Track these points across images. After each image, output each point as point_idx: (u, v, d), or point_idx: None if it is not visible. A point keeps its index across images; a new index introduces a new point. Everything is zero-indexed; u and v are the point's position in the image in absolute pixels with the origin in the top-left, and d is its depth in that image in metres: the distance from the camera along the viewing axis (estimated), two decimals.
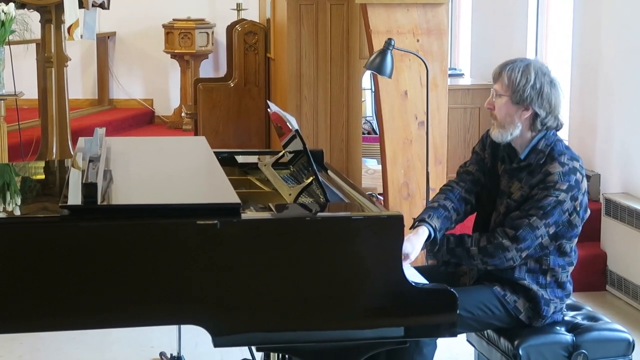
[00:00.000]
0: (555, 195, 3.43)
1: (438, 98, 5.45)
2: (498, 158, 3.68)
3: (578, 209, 3.49)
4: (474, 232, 3.64)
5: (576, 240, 3.60)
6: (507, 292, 3.56)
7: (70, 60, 6.93)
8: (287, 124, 3.63)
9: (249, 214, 3.18)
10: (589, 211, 3.59)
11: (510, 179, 3.59)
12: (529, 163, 3.54)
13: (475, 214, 3.77)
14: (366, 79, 7.30)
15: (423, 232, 3.52)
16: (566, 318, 3.67)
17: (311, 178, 3.41)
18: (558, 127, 3.57)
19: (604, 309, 5.46)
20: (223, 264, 3.02)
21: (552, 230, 3.47)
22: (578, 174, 3.48)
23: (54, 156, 6.70)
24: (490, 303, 3.55)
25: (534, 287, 3.54)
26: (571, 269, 3.62)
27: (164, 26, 9.64)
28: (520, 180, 3.54)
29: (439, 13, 5.43)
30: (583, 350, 3.53)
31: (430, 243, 3.53)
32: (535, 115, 3.51)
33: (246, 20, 7.64)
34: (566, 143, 3.61)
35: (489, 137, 3.68)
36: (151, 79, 10.17)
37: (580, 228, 3.56)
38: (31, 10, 7.02)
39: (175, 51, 9.62)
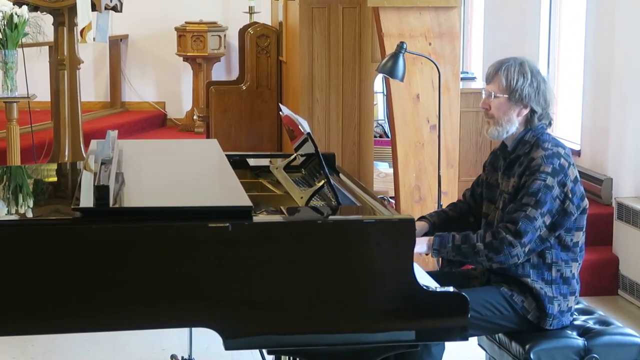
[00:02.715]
0: (542, 179, 3.46)
1: (450, 101, 5.44)
2: (497, 168, 3.71)
3: (570, 195, 3.50)
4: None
5: (580, 235, 3.59)
6: (515, 293, 3.56)
7: (82, 62, 6.95)
8: (299, 127, 3.63)
9: (260, 217, 3.18)
10: (586, 201, 3.59)
11: (508, 179, 3.62)
12: (517, 155, 3.59)
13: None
14: (378, 83, 7.30)
15: (422, 224, 3.72)
16: (578, 322, 3.66)
17: (323, 181, 3.41)
18: (549, 124, 3.64)
19: (616, 313, 5.44)
20: (234, 267, 3.02)
21: (548, 220, 3.48)
22: (562, 159, 3.52)
23: (66, 159, 6.71)
24: (498, 303, 3.55)
25: (538, 284, 3.54)
26: (576, 265, 3.60)
27: (176, 29, 9.64)
28: (513, 175, 3.57)
29: (451, 16, 5.43)
30: (594, 355, 3.52)
31: (427, 234, 3.63)
32: (532, 112, 3.58)
33: (258, 23, 7.63)
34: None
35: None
36: (163, 82, 10.18)
37: (579, 218, 3.55)
38: (44, 12, 7.05)
39: (188, 54, 9.62)
